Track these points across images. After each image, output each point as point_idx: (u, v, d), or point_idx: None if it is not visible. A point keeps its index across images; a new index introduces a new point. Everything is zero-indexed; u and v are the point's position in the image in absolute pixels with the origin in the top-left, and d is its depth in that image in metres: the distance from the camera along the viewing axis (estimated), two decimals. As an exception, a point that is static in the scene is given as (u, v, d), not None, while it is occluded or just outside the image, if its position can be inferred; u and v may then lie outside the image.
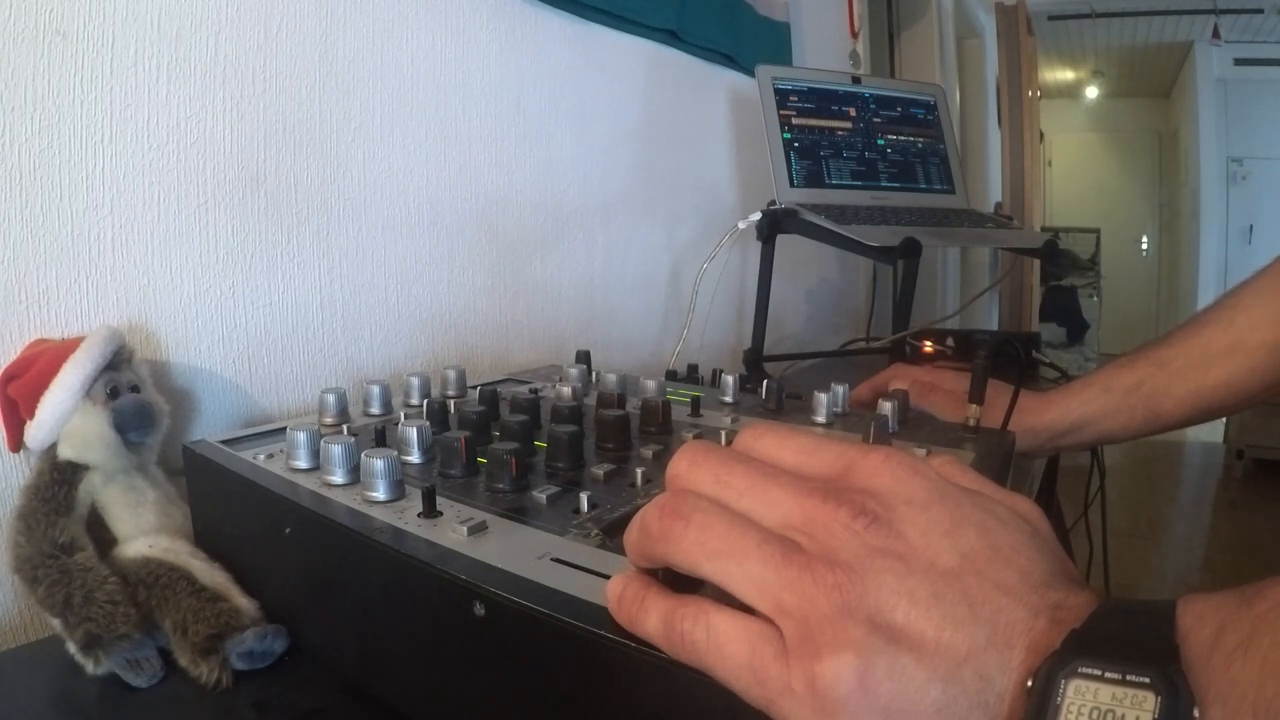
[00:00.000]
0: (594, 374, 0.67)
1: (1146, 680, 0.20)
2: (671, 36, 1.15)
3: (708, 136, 1.31)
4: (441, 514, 0.38)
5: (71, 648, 0.42)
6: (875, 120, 1.21)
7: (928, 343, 1.14)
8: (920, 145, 1.23)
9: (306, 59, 0.68)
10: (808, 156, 1.12)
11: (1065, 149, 6.63)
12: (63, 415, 0.48)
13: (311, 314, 0.70)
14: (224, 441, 0.50)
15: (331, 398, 0.54)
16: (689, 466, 0.27)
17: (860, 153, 1.17)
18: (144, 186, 0.58)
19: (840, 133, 1.17)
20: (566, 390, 0.58)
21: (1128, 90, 6.33)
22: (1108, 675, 0.20)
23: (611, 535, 0.35)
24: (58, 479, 0.47)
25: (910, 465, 0.25)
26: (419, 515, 0.37)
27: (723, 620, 0.24)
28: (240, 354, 0.65)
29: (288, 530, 0.41)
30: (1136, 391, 0.67)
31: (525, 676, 0.31)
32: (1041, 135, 3.65)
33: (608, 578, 0.30)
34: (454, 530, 0.35)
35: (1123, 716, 0.19)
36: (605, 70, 1.05)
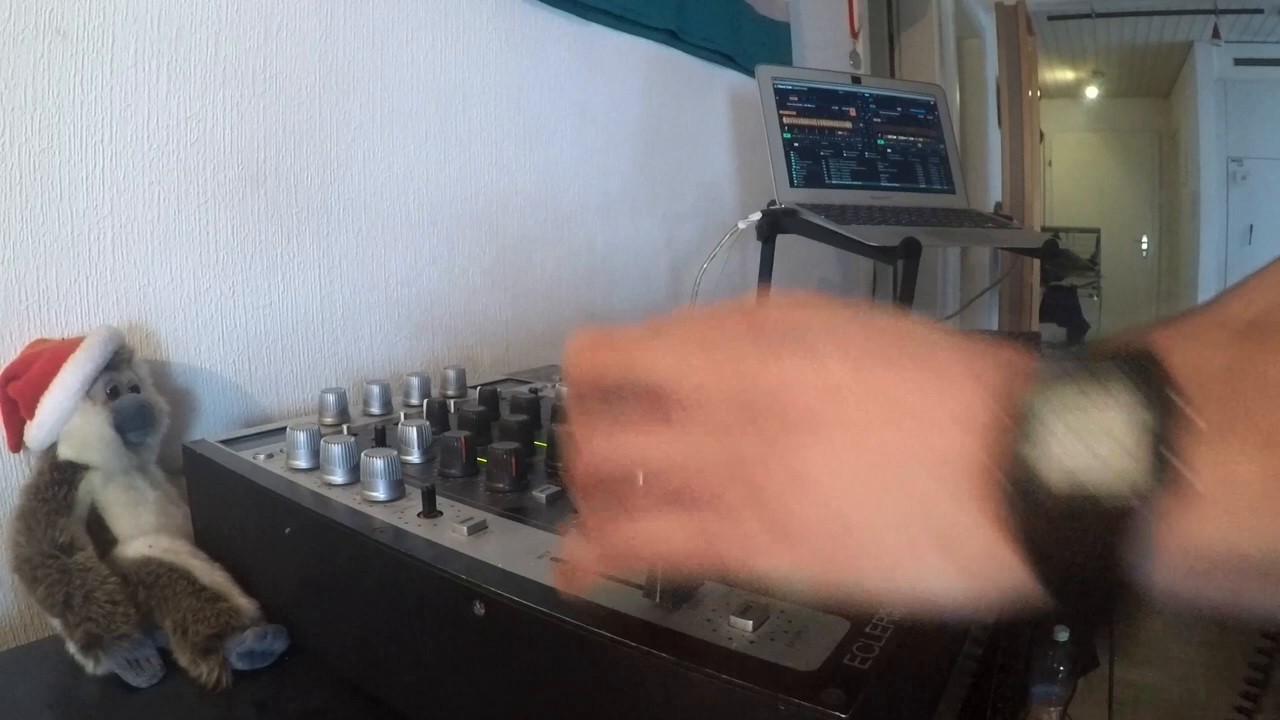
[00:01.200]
0: (594, 374, 0.67)
1: (1127, 381, 0.18)
2: (671, 36, 1.15)
3: (708, 136, 1.31)
4: (441, 514, 0.38)
5: (71, 648, 0.42)
6: (875, 120, 1.21)
7: (928, 343, 1.14)
8: (920, 145, 1.23)
9: (306, 59, 0.68)
10: (808, 156, 1.12)
11: (1065, 149, 6.62)
12: (63, 415, 0.48)
13: (311, 314, 0.70)
14: (224, 441, 0.50)
15: (331, 398, 0.54)
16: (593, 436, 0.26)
17: (860, 153, 1.17)
18: (144, 186, 0.58)
19: (840, 133, 1.17)
20: (566, 390, 0.58)
21: (1128, 90, 6.33)
22: (1083, 387, 0.18)
23: (611, 535, 0.35)
24: (58, 479, 0.47)
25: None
26: (419, 515, 0.37)
27: (642, 518, 0.23)
28: (240, 354, 0.65)
29: (288, 530, 0.41)
30: None
31: (525, 676, 0.31)
32: (1041, 135, 3.65)
33: (608, 578, 0.30)
34: (454, 530, 0.35)
35: (1109, 426, 0.18)
36: (605, 70, 1.05)
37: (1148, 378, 0.18)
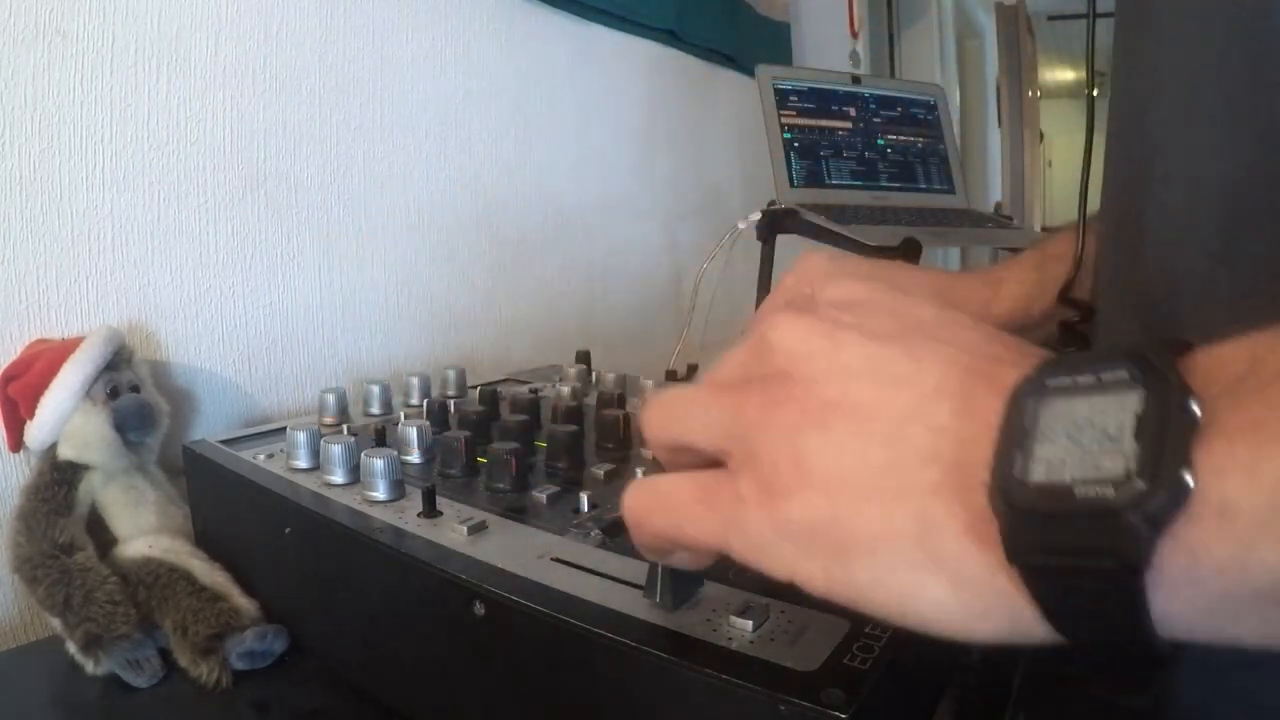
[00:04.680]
0: (594, 374, 0.67)
1: (1124, 374, 0.16)
2: (671, 36, 1.15)
3: (707, 137, 1.31)
4: (441, 514, 0.38)
5: (71, 648, 0.42)
6: (875, 120, 1.21)
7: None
8: (920, 145, 1.23)
9: (306, 59, 0.68)
10: (808, 156, 1.12)
11: (1065, 149, 6.63)
12: (63, 415, 0.48)
13: (311, 314, 0.70)
14: (224, 441, 0.50)
15: (331, 398, 0.54)
16: (651, 414, 0.26)
17: (860, 153, 1.17)
18: (144, 186, 0.58)
19: (840, 133, 1.17)
20: (566, 390, 0.58)
21: (1128, 90, 6.32)
22: (1079, 381, 0.17)
23: (611, 535, 0.35)
24: (58, 479, 0.47)
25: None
26: (419, 515, 0.37)
27: (669, 477, 0.23)
28: (240, 354, 0.65)
29: (288, 530, 0.41)
30: None
31: (525, 676, 0.31)
32: (1041, 135, 3.65)
33: (608, 578, 0.30)
34: (454, 530, 0.35)
35: (1105, 426, 0.16)
36: (605, 70, 1.05)
37: (1159, 371, 0.16)
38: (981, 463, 0.17)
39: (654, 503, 0.24)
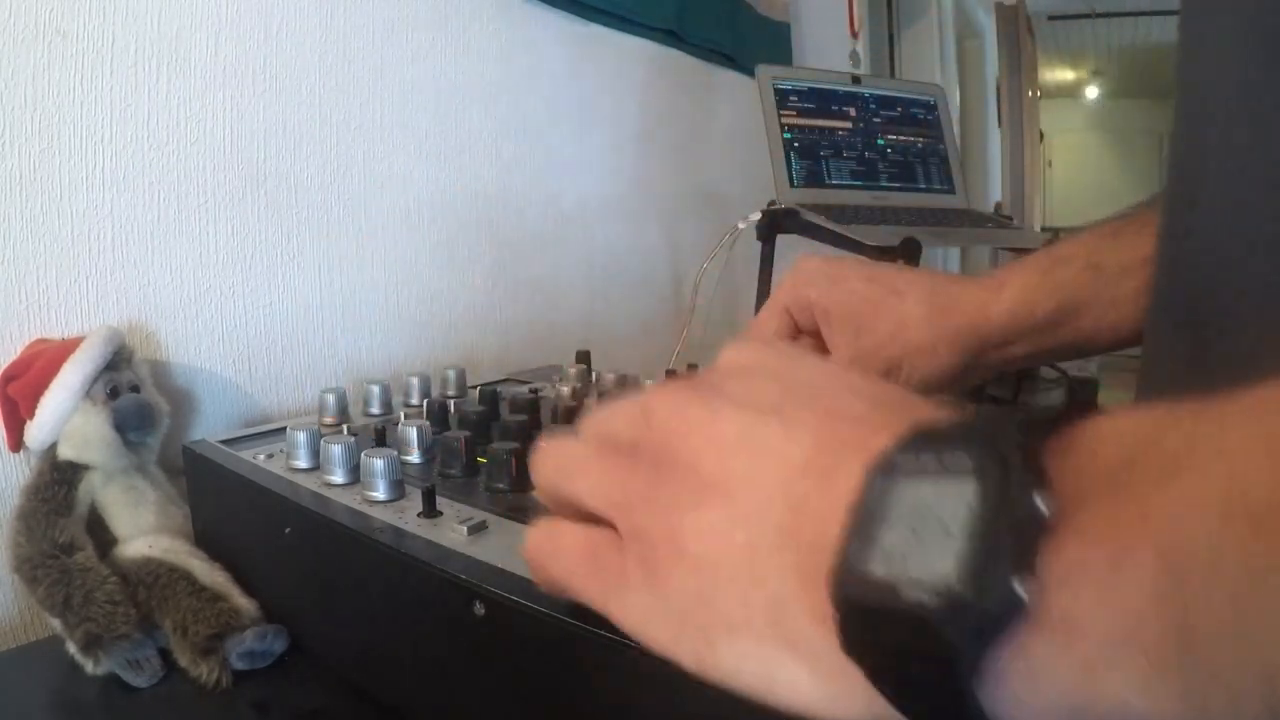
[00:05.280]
0: (594, 374, 0.67)
1: (965, 459, 0.15)
2: (671, 36, 1.15)
3: (707, 136, 1.31)
4: (441, 514, 0.38)
5: (71, 648, 0.42)
6: (875, 120, 1.21)
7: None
8: (920, 145, 1.23)
9: (306, 59, 0.68)
10: (808, 156, 1.12)
11: (1065, 149, 6.62)
12: (63, 415, 0.48)
13: (311, 314, 0.70)
14: (224, 441, 0.50)
15: (331, 398, 0.54)
16: (542, 467, 0.26)
17: (860, 153, 1.17)
18: (144, 186, 0.58)
19: (840, 133, 1.17)
20: (566, 390, 0.58)
21: (1128, 90, 6.33)
22: (925, 462, 0.15)
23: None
24: (58, 479, 0.47)
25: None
26: (419, 515, 0.37)
27: (566, 527, 0.23)
28: (240, 354, 0.65)
29: (288, 530, 0.41)
30: (1140, 271, 0.40)
31: (525, 676, 0.31)
32: (1041, 135, 3.65)
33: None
34: (454, 530, 0.35)
35: (943, 518, 0.14)
36: (605, 70, 1.05)
37: (1000, 458, 0.15)
38: (830, 547, 0.16)
39: (550, 550, 0.24)
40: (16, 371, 0.49)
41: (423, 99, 0.79)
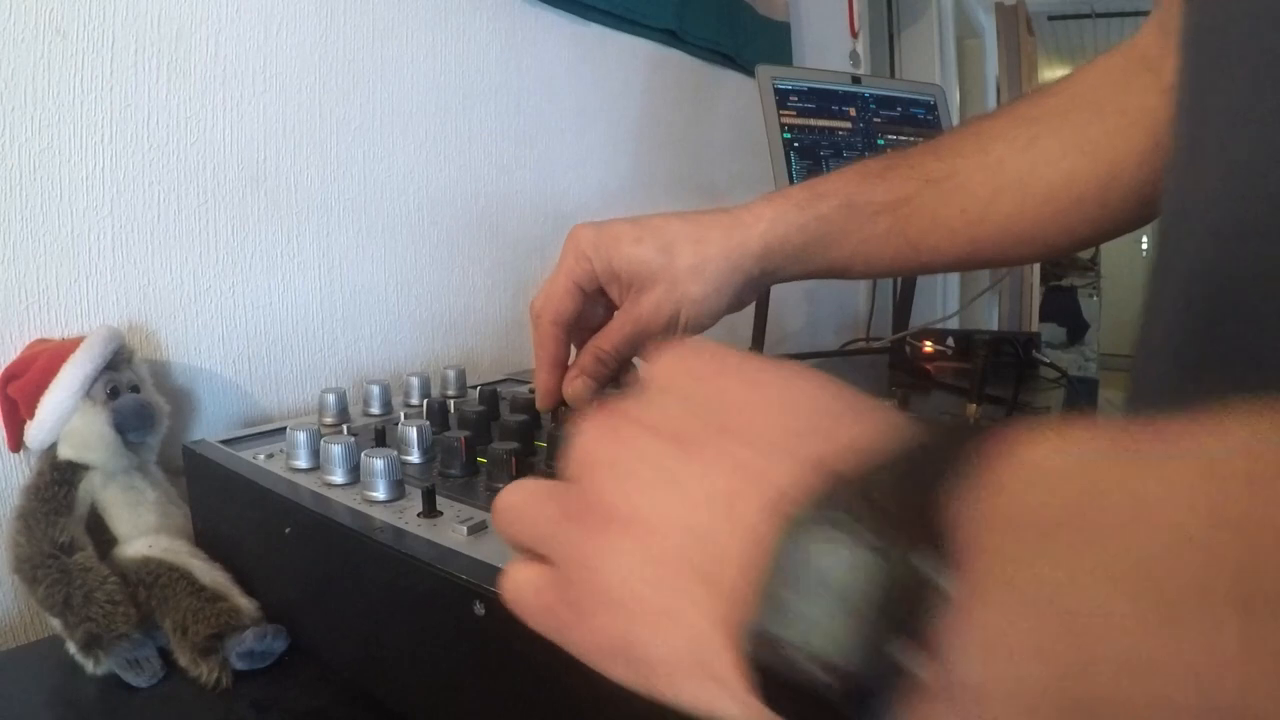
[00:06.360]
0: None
1: (867, 529, 0.14)
2: (671, 36, 1.15)
3: (707, 137, 1.31)
4: (441, 514, 0.38)
5: (71, 648, 0.42)
6: (875, 120, 1.21)
7: (927, 343, 1.14)
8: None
9: (306, 59, 0.68)
10: (808, 156, 1.12)
11: (1065, 149, 6.61)
12: (63, 415, 0.48)
13: (311, 314, 0.70)
14: (224, 441, 0.50)
15: (331, 398, 0.54)
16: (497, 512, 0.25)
17: (860, 153, 1.17)
18: (144, 186, 0.58)
19: (840, 133, 1.17)
20: (566, 390, 0.58)
21: (1128, 90, 6.33)
22: (824, 519, 0.15)
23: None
24: (58, 479, 0.47)
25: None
26: (419, 515, 0.37)
27: (520, 569, 0.23)
28: (240, 354, 0.65)
29: (288, 530, 0.41)
30: (893, 212, 0.46)
31: (525, 676, 0.31)
32: (1041, 135, 3.64)
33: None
34: (454, 530, 0.35)
35: (839, 583, 0.14)
36: (605, 70, 1.05)
37: (892, 519, 0.14)
38: (741, 599, 0.16)
39: (512, 591, 0.23)
40: (16, 371, 0.49)
41: (423, 99, 0.79)
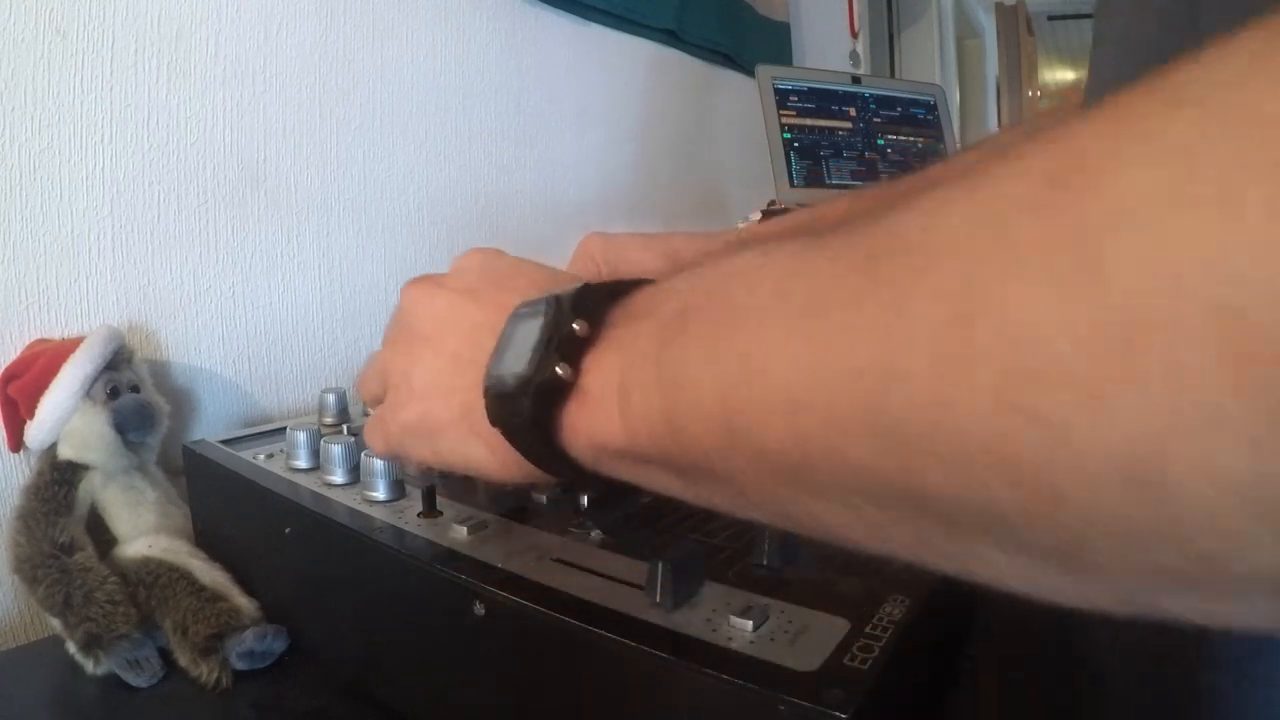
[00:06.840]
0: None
1: (540, 306, 0.24)
2: (671, 36, 1.15)
3: (708, 137, 1.31)
4: (441, 514, 0.38)
5: (71, 648, 0.42)
6: (875, 120, 1.21)
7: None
8: (920, 145, 1.23)
9: (306, 59, 0.68)
10: (808, 156, 1.12)
11: (1065, 149, 6.61)
12: (63, 415, 0.48)
13: (311, 314, 0.70)
14: (224, 441, 0.50)
15: (331, 398, 0.54)
16: (359, 379, 0.36)
17: (860, 152, 1.17)
18: (144, 186, 0.58)
19: (840, 132, 1.17)
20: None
21: (1128, 90, 6.32)
22: (524, 311, 0.25)
23: (612, 535, 0.35)
24: (58, 479, 0.47)
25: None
26: (419, 515, 0.37)
27: (369, 419, 0.34)
28: (240, 354, 0.65)
29: (288, 530, 0.41)
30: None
31: (525, 676, 0.31)
32: (1041, 135, 3.63)
33: (608, 578, 0.30)
34: (454, 530, 0.35)
35: (529, 339, 0.24)
36: (605, 70, 1.05)
37: (559, 304, 0.24)
38: (486, 364, 0.25)
39: (368, 432, 0.33)
40: (16, 371, 0.49)
41: (423, 99, 0.79)
